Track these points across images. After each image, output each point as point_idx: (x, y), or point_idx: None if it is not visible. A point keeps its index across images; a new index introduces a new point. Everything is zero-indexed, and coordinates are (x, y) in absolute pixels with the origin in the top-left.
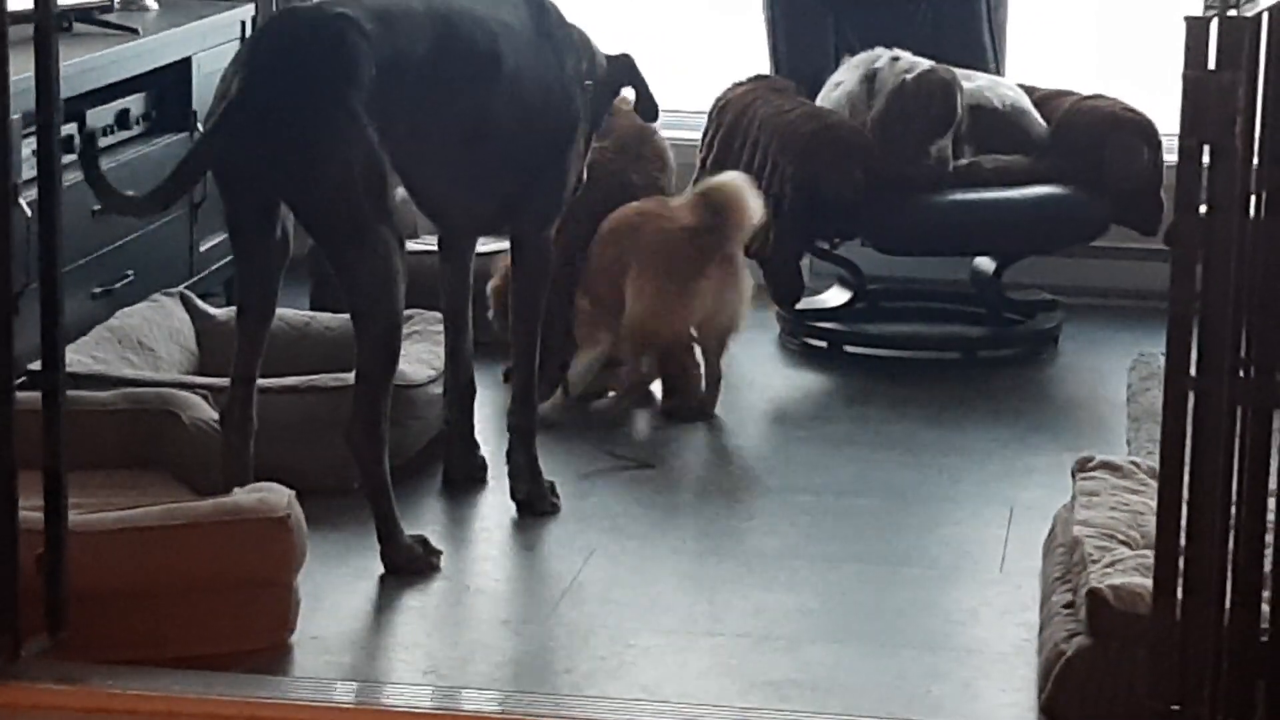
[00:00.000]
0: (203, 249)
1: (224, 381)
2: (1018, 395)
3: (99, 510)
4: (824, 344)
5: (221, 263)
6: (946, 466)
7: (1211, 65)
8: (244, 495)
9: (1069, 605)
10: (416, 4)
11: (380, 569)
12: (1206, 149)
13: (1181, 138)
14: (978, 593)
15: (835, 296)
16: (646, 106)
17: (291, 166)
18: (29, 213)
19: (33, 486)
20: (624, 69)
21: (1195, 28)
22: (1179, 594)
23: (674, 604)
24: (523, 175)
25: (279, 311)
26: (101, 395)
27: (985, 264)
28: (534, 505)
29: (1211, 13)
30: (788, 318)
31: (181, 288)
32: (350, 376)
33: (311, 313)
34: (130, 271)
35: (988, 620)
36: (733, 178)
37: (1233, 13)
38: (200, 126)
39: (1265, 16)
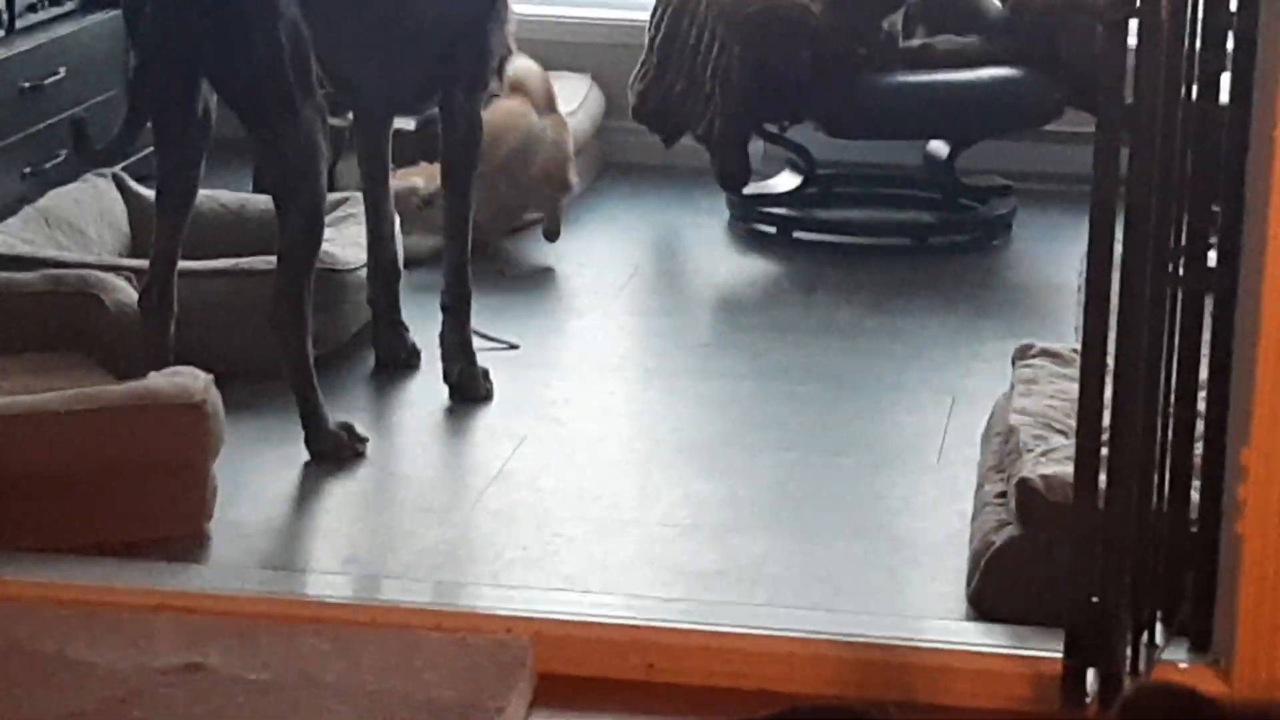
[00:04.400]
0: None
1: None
2: (968, 282)
3: (12, 395)
4: (773, 230)
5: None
6: (891, 353)
7: None
8: (159, 379)
9: (1001, 495)
10: None
11: (304, 455)
12: (1134, 25)
13: (1105, 13)
14: (913, 481)
15: (785, 181)
16: None
17: (216, 40)
18: None
19: None
20: None
21: None
22: (1101, 483)
23: (602, 492)
24: (442, 48)
25: (213, 193)
26: (22, 276)
27: (939, 148)
28: (466, 389)
29: None
30: (736, 203)
31: (116, 168)
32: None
33: (246, 195)
34: (62, 151)
35: (921, 509)
36: None
37: None
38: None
39: None
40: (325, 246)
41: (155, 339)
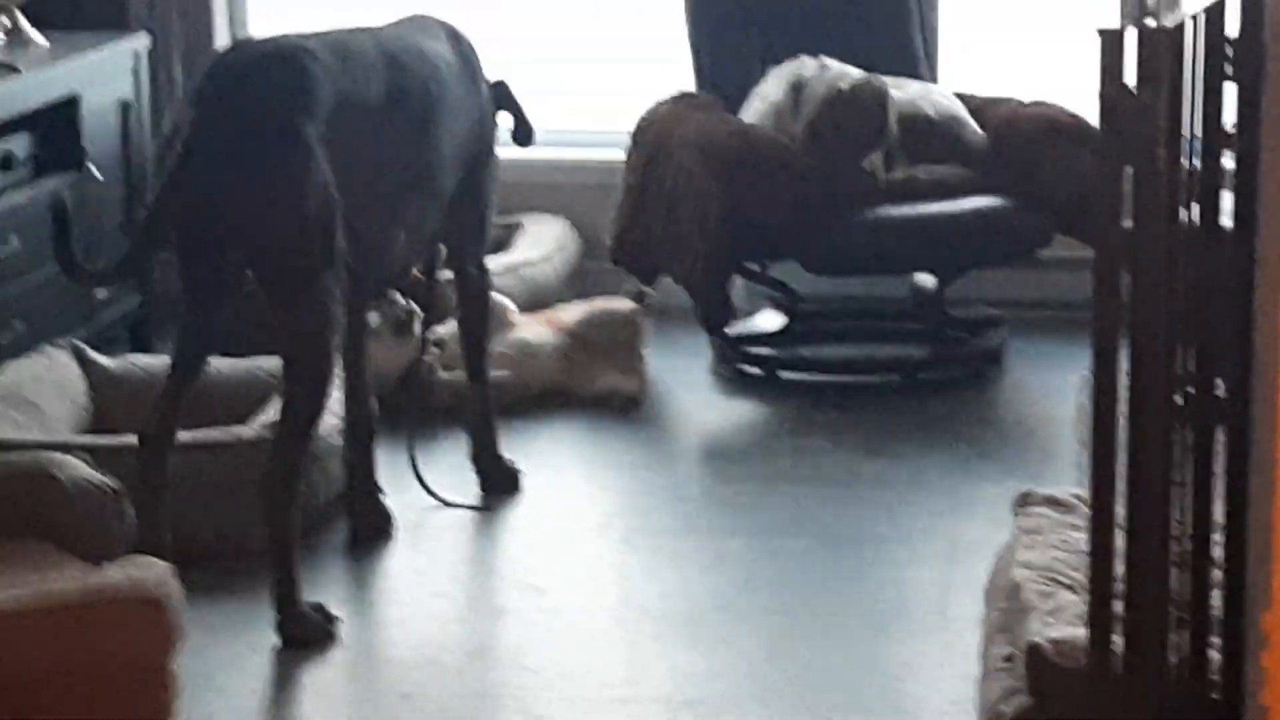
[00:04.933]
0: (101, 295)
1: (110, 440)
2: (962, 420)
3: None
4: (758, 370)
5: (122, 310)
6: (885, 502)
7: (1130, 80)
8: (115, 572)
9: (1008, 658)
10: (366, 41)
11: (273, 641)
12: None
13: (1100, 161)
14: (915, 644)
15: (768, 320)
16: (523, 130)
17: (245, 203)
18: None
19: None
20: (501, 95)
21: (1110, 42)
22: (1117, 646)
23: (587, 668)
24: (452, 211)
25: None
26: None
27: (926, 280)
28: (498, 484)
29: (1128, 24)
30: (719, 344)
31: (73, 339)
32: (242, 430)
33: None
34: (18, 323)
35: (925, 675)
36: None
37: (1151, 23)
38: (151, 169)
39: (1191, 25)
40: None
41: (150, 522)
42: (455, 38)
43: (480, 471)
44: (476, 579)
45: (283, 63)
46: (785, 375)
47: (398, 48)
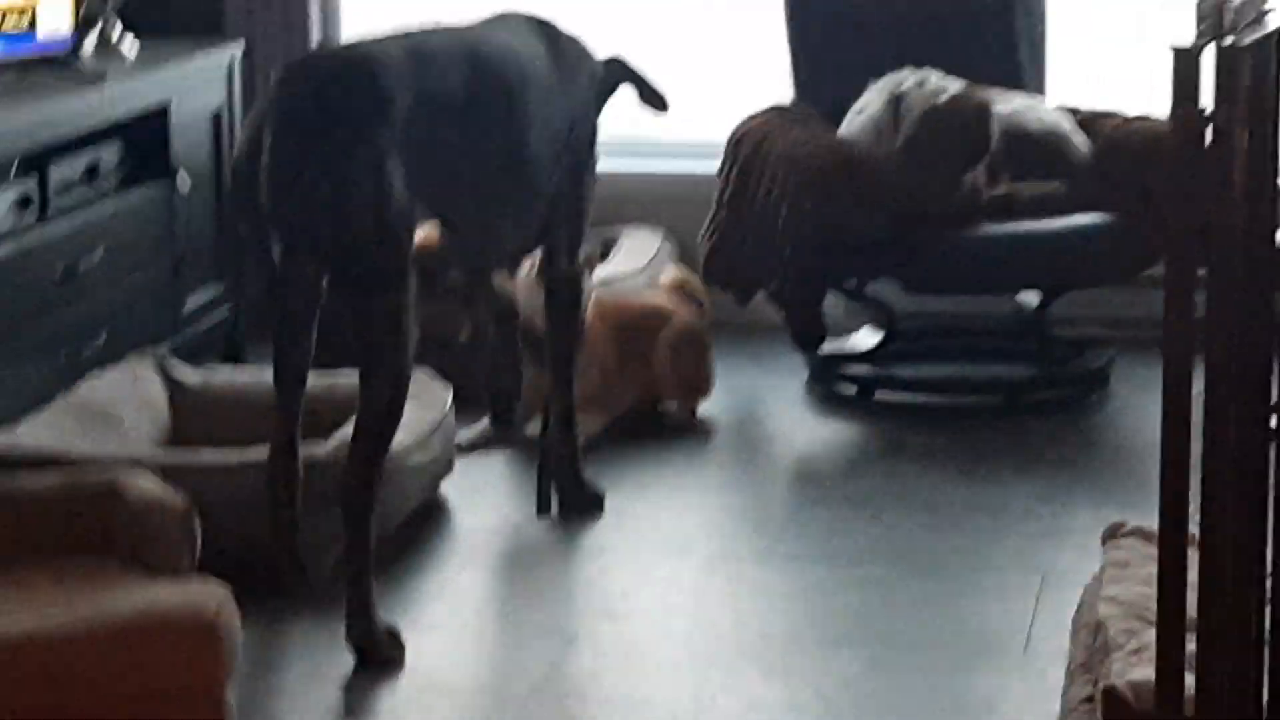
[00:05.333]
0: (189, 306)
1: (180, 457)
2: (1062, 444)
3: (14, 614)
4: (853, 390)
5: (212, 320)
6: (976, 528)
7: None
8: (169, 593)
9: (1089, 699)
10: (445, 40)
11: (331, 671)
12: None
13: (1172, 186)
14: (996, 680)
15: (865, 338)
16: (652, 98)
17: (321, 213)
18: None
19: None
20: (618, 70)
21: (1184, 61)
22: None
23: (655, 698)
24: (550, 204)
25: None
26: (38, 479)
27: (1029, 298)
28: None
29: (1204, 42)
30: (814, 362)
31: (158, 349)
32: (314, 447)
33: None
34: (104, 333)
35: (1005, 713)
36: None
37: (1230, 40)
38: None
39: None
40: None
41: (283, 541)
42: (547, 33)
43: (560, 489)
44: (550, 603)
45: (354, 71)
46: (881, 395)
47: (477, 44)
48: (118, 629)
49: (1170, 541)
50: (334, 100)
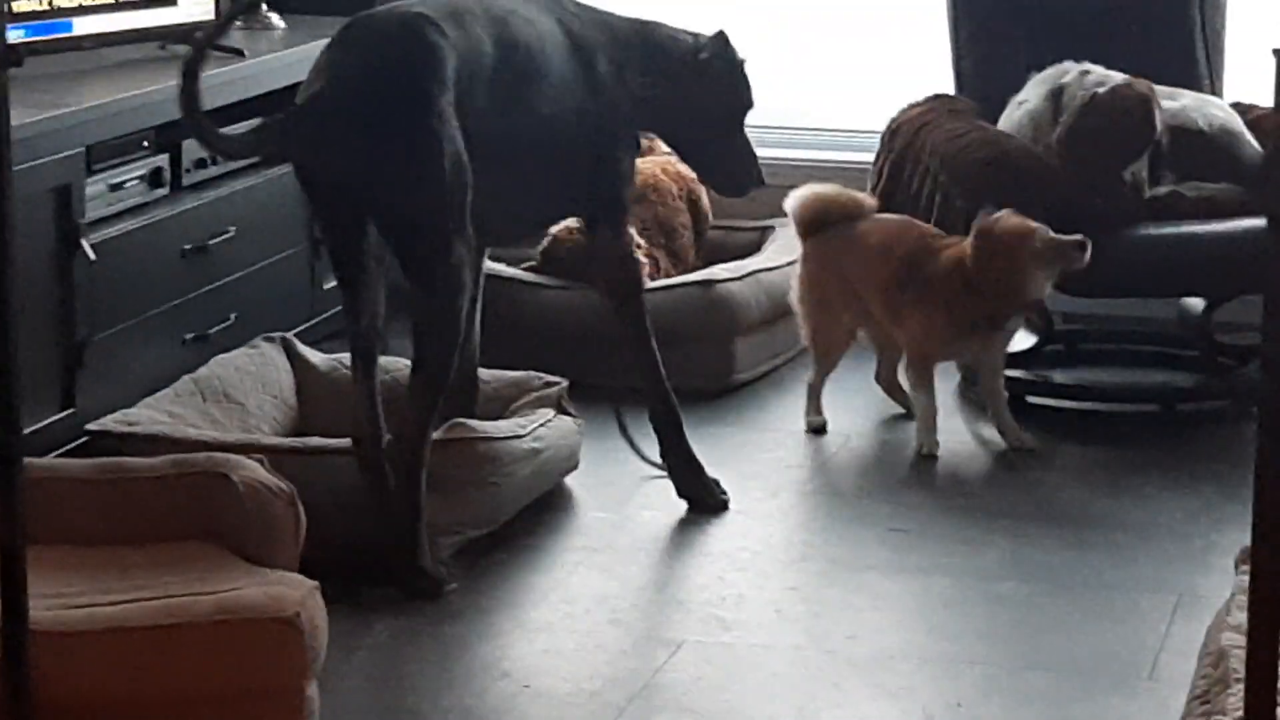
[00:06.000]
0: (326, 287)
1: (291, 441)
2: (1217, 457)
3: (110, 598)
4: (1004, 394)
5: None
6: (1115, 544)
7: None
8: (253, 588)
9: None
10: (474, 5)
11: (415, 671)
12: None
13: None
14: (1118, 705)
15: (1020, 340)
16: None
17: (381, 171)
18: (92, 256)
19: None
20: (718, 48)
21: None
22: None
23: (755, 712)
24: (575, 176)
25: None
26: (147, 460)
27: (1195, 302)
28: (700, 501)
29: None
30: (964, 364)
31: (288, 333)
32: (436, 433)
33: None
34: (232, 314)
35: None
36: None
37: None
38: None
39: None
40: (488, 424)
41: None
42: (559, 11)
43: (678, 483)
44: (659, 607)
45: (409, 33)
46: (1032, 400)
47: (500, 10)
48: (197, 623)
49: (1267, 570)
50: (392, 61)
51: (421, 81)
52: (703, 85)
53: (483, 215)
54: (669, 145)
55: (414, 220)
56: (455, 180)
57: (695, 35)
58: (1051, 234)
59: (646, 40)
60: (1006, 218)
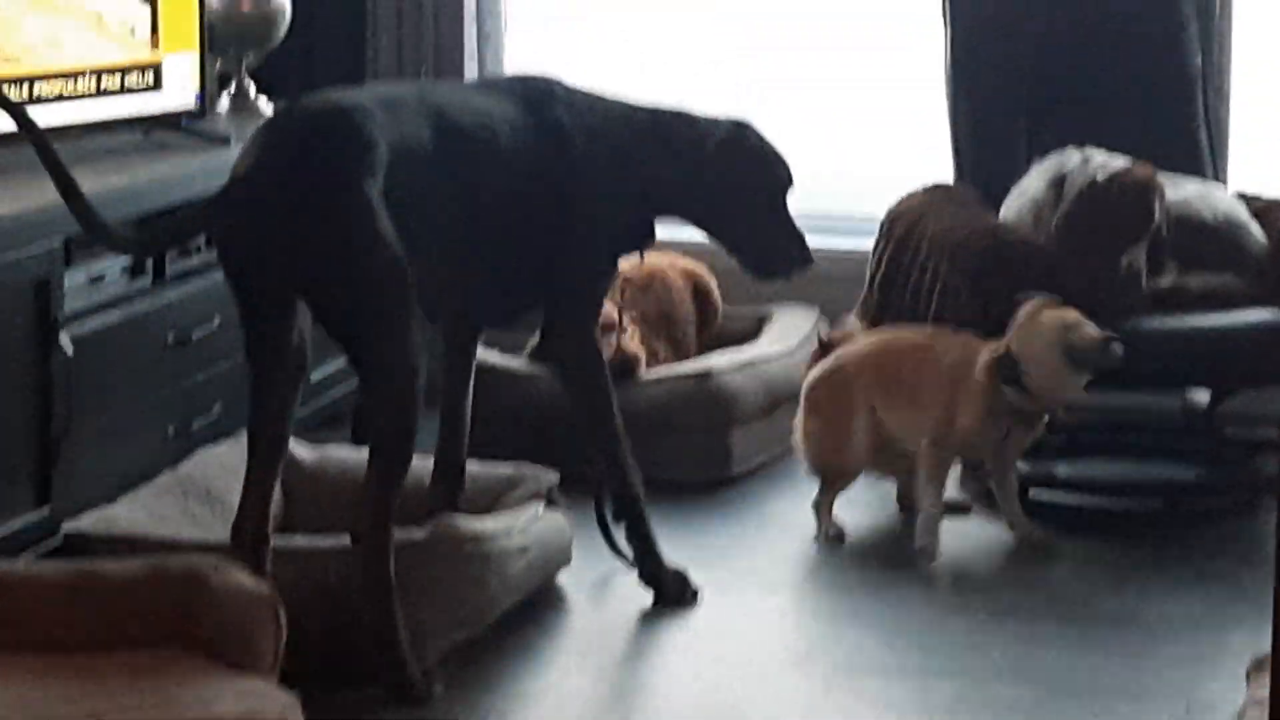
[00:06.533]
0: (315, 378)
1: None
2: (1224, 556)
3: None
4: (1016, 488)
5: (342, 391)
6: (1121, 646)
7: None
8: (230, 701)
9: None
10: (410, 95)
11: None
12: None
13: None
14: None
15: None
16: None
17: (308, 259)
18: (70, 351)
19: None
20: (734, 139)
21: None
22: None
23: None
24: (538, 260)
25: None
26: (121, 564)
27: (1199, 396)
28: (666, 591)
29: None
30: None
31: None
32: (414, 531)
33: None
34: (215, 406)
35: None
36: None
37: None
38: None
39: None
40: (476, 521)
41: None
42: (537, 97)
43: (640, 568)
44: (657, 715)
45: (337, 118)
46: (1035, 494)
47: (443, 100)
48: None
49: None
50: (320, 149)
51: (348, 164)
52: (725, 169)
53: (443, 300)
54: (701, 230)
55: (343, 304)
56: (391, 265)
57: (715, 120)
58: (1093, 328)
59: (660, 126)
60: (1050, 303)
